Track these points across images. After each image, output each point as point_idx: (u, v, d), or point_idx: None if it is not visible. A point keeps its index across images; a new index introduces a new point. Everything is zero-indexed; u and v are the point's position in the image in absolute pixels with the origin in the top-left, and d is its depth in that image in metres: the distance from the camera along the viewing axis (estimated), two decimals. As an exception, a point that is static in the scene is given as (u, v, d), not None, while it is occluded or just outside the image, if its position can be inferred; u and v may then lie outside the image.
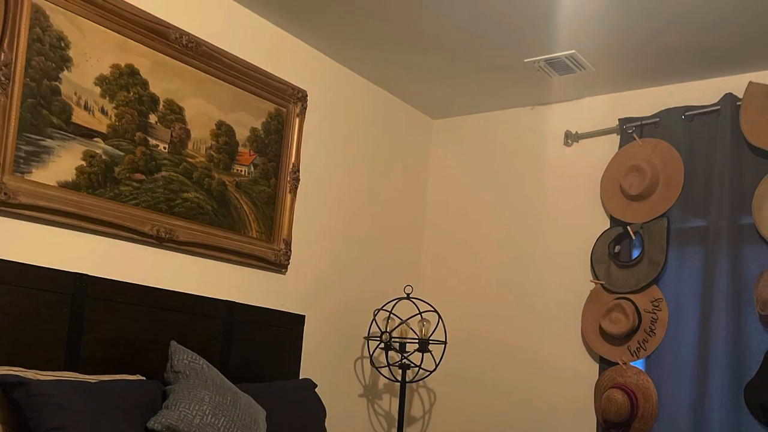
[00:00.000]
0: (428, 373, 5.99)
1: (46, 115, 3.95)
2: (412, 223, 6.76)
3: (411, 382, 6.04)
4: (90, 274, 4.10)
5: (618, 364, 5.59)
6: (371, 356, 6.07)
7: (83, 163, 4.11)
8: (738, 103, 5.35)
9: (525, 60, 5.54)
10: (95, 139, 4.17)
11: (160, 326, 4.43)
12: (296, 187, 5.43)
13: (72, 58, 4.06)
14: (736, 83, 5.43)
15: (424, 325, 5.78)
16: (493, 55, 5.55)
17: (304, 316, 5.45)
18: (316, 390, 5.11)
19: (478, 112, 6.71)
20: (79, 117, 4.09)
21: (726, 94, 5.41)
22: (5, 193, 3.77)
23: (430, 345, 5.80)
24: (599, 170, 5.94)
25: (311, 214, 5.63)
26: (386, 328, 5.79)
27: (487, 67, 5.76)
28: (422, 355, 5.89)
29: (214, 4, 4.95)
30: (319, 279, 5.73)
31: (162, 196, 4.53)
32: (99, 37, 4.20)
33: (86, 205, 4.11)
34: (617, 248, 5.77)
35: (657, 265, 5.52)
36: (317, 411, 5.03)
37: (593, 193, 5.96)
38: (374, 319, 5.96)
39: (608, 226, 5.86)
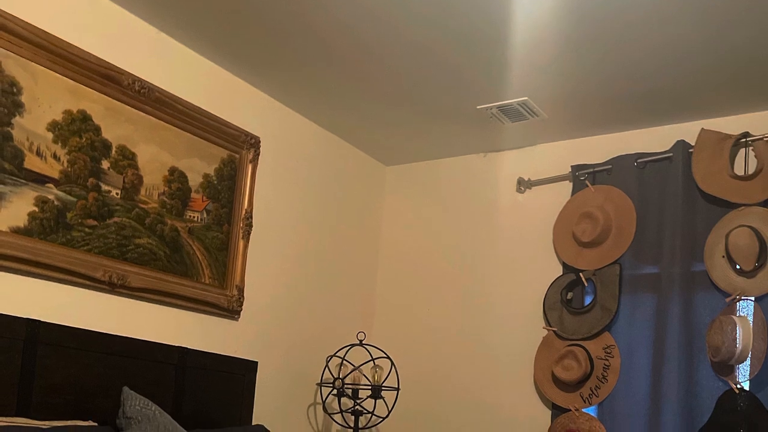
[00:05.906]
0: (381, 419, 5.95)
1: (-2, 161, 3.93)
2: (365, 270, 6.76)
3: (364, 428, 6.02)
4: (42, 320, 4.04)
5: (570, 410, 5.59)
6: (324, 403, 6.04)
7: (35, 208, 4.07)
8: (690, 150, 5.39)
9: (477, 107, 5.56)
10: (47, 184, 4.14)
11: (112, 372, 4.36)
12: (249, 233, 5.42)
13: (24, 103, 4.03)
14: (688, 130, 5.48)
15: (376, 372, 5.77)
16: (445, 102, 5.58)
17: (256, 362, 5.41)
18: (268, 437, 5.08)
19: (430, 159, 6.74)
20: (32, 163, 4.06)
21: (678, 141, 5.46)
22: (-44, 240, 3.73)
23: (382, 391, 5.80)
24: (552, 217, 5.97)
25: (264, 260, 5.61)
26: (339, 375, 5.77)
27: (439, 113, 5.78)
28: (375, 402, 5.86)
29: (168, 49, 4.94)
30: (272, 325, 5.70)
31: (114, 242, 4.49)
32: (51, 82, 4.17)
33: (38, 250, 4.06)
34: (569, 295, 5.78)
35: (609, 311, 5.54)
36: (270, 458, 4.99)
37: (546, 240, 5.99)
38: (327, 366, 5.92)
39: (561, 273, 5.88)
